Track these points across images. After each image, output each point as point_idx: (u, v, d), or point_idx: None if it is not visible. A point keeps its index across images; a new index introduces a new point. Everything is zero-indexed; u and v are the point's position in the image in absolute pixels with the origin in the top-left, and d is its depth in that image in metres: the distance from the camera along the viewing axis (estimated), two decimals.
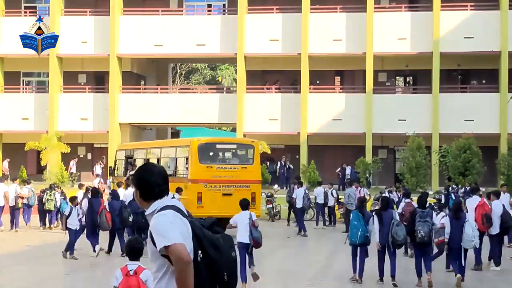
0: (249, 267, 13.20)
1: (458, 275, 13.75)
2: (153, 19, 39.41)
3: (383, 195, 20.35)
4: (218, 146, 24.35)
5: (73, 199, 18.38)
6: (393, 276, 14.04)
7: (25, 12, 40.92)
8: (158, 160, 25.79)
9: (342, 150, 38.96)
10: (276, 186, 31.50)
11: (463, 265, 14.02)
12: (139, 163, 27.04)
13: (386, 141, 39.31)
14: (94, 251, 17.73)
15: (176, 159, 24.38)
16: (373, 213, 14.62)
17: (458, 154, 31.74)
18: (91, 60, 40.53)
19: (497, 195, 17.16)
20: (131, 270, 7.45)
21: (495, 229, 16.29)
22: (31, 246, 20.71)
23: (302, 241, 22.65)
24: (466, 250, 14.04)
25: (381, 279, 14.21)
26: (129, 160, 27.95)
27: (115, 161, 29.70)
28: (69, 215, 17.75)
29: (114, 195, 19.35)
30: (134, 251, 7.63)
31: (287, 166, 37.11)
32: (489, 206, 16.32)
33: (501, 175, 32.75)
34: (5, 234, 23.53)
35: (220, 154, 24.01)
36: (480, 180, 31.09)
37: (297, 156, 37.63)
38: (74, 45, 39.05)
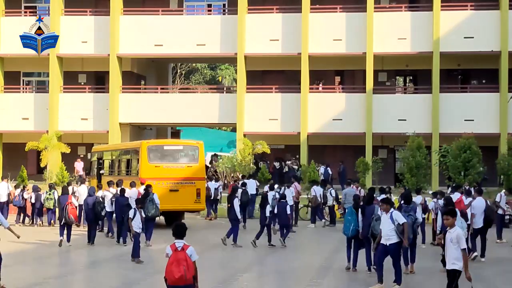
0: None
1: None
2: (153, 19, 39.40)
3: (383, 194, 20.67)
4: (165, 147, 27.09)
5: (137, 201, 18.05)
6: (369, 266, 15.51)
7: (25, 12, 40.90)
8: (119, 161, 28.73)
9: (342, 150, 38.97)
10: (276, 186, 31.44)
11: None
12: (106, 164, 30.00)
13: (386, 141, 39.31)
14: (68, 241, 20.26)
15: (131, 159, 27.30)
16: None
17: (458, 154, 31.71)
18: (91, 60, 40.53)
19: (479, 192, 18.56)
20: (179, 246, 9.27)
21: (477, 224, 17.67)
22: (33, 245, 20.71)
23: (302, 241, 22.69)
24: None
25: (369, 269, 15.52)
26: (100, 161, 30.50)
27: (91, 162, 32.05)
28: (133, 217, 17.28)
29: (89, 192, 21.77)
30: (180, 232, 9.43)
31: (297, 166, 37.00)
32: (465, 203, 18.03)
33: (501, 175, 32.76)
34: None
35: (168, 154, 26.43)
36: (480, 180, 31.13)
37: (297, 156, 37.62)
38: (74, 45, 39.04)
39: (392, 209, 13.79)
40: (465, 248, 10.73)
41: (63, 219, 19.94)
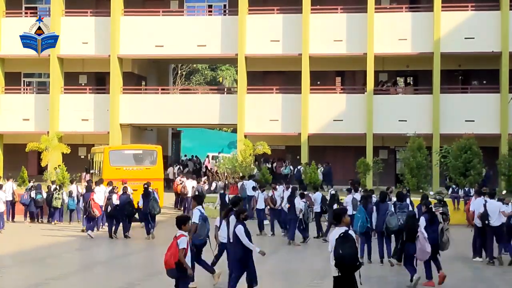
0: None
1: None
2: (153, 20, 39.40)
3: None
4: (126, 152, 30.94)
5: (226, 203, 17.19)
6: (390, 257, 16.89)
7: (26, 13, 40.92)
8: (98, 162, 31.67)
9: (342, 150, 38.93)
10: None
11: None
12: (93, 164, 33.31)
13: (386, 142, 39.28)
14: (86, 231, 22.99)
15: (99, 162, 30.74)
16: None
17: (459, 154, 31.70)
18: (91, 61, 40.53)
19: (478, 193, 19.00)
20: (175, 235, 10.58)
21: (478, 223, 17.98)
22: (34, 245, 20.71)
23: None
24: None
25: (381, 261, 17.33)
26: (91, 162, 33.94)
27: (89, 162, 35.41)
28: (219, 226, 14.60)
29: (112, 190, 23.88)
30: (180, 224, 10.79)
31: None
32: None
33: (502, 176, 32.75)
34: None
35: (128, 158, 30.00)
36: (480, 180, 31.09)
37: (298, 157, 37.61)
38: (75, 45, 39.04)
39: (198, 206, 13.82)
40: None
41: (88, 213, 22.92)
